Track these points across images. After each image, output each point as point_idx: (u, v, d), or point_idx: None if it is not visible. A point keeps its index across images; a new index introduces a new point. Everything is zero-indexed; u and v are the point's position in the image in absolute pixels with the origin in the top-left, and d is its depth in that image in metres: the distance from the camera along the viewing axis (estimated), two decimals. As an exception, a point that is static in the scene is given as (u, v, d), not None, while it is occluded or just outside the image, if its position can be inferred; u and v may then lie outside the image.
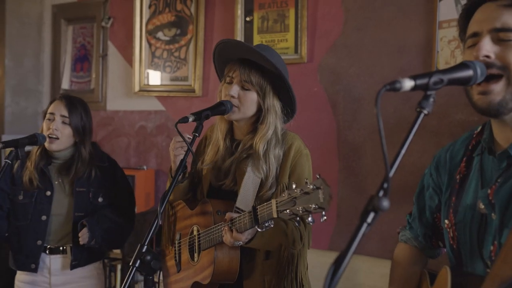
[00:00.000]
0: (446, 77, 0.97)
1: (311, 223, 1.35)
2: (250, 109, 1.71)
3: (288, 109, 1.77)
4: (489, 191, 1.13)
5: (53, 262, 2.32)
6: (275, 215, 1.40)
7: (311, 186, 1.31)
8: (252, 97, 1.71)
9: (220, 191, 1.77)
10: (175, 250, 1.87)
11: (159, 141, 3.57)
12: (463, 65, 1.02)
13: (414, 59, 2.71)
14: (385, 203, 0.86)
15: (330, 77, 2.99)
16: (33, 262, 2.30)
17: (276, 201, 1.40)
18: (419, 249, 1.43)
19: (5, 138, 3.67)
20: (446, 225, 1.25)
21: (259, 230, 1.47)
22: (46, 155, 2.35)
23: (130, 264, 1.41)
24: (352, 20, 2.91)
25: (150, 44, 3.54)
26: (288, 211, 1.36)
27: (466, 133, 1.32)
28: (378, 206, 0.86)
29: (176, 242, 1.87)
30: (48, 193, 2.32)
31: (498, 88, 1.07)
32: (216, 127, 1.84)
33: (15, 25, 3.94)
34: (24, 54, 4.00)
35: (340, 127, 2.96)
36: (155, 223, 1.47)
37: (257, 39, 3.14)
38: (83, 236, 2.22)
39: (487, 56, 1.08)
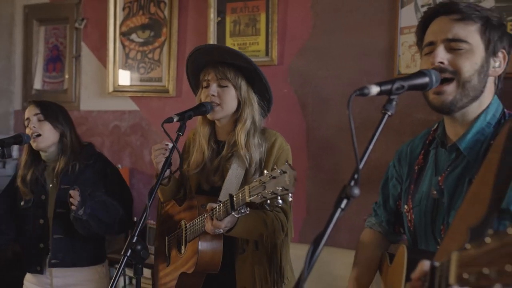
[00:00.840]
0: (406, 84, 1.12)
1: (280, 205, 1.48)
2: (231, 104, 1.84)
3: (265, 104, 1.91)
4: (439, 178, 1.30)
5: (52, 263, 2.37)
6: (248, 200, 1.52)
7: (278, 171, 1.44)
8: (231, 92, 1.84)
9: (210, 188, 1.89)
10: (165, 246, 1.98)
11: (133, 140, 3.65)
12: (421, 73, 1.18)
13: (378, 63, 2.89)
14: (356, 191, 1.01)
15: (299, 79, 3.13)
16: (38, 264, 2.38)
17: (249, 186, 1.52)
18: (383, 234, 1.59)
19: (-23, 138, 3.69)
20: (405, 210, 1.42)
21: (235, 215, 1.59)
22: (36, 160, 2.41)
23: (122, 253, 1.52)
24: (320, 25, 3.07)
25: (124, 46, 3.61)
26: (259, 195, 1.48)
27: (425, 130, 1.49)
28: (350, 194, 1.01)
29: (166, 238, 1.99)
30: (43, 197, 2.39)
31: (450, 89, 1.24)
32: (198, 133, 1.95)
33: None
34: None
35: (309, 127, 3.11)
36: (144, 215, 1.58)
37: (229, 42, 3.25)
38: (75, 196, 2.16)
39: (441, 62, 1.24)
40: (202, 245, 1.74)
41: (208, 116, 1.87)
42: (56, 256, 2.33)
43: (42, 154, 2.43)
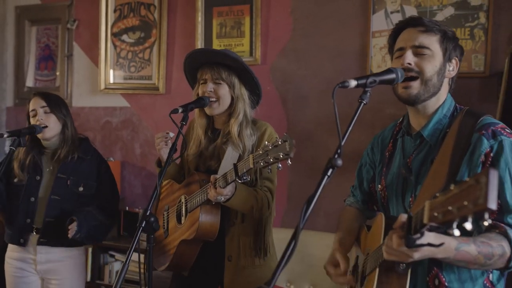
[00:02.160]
0: (378, 79, 1.41)
1: (280, 168, 1.72)
2: (226, 100, 2.10)
3: (254, 98, 2.18)
4: (408, 160, 1.60)
5: (36, 240, 2.56)
6: (251, 166, 1.76)
7: (280, 141, 1.70)
8: (225, 89, 2.10)
9: (206, 170, 2.15)
10: (163, 220, 2.23)
11: (124, 135, 3.87)
12: (389, 71, 1.47)
13: (352, 63, 3.19)
14: (339, 161, 1.28)
15: (280, 77, 3.41)
16: (22, 237, 2.56)
17: (253, 155, 1.78)
18: (360, 210, 1.89)
19: (-28, 133, 3.86)
20: (379, 189, 1.72)
21: (238, 181, 1.84)
22: (37, 145, 2.62)
23: (137, 225, 1.77)
24: (299, 28, 3.35)
25: (115, 46, 3.83)
26: (262, 161, 1.73)
27: (393, 122, 1.79)
28: (334, 164, 1.28)
29: (165, 213, 2.24)
30: (38, 177, 2.58)
31: (415, 85, 1.54)
32: (196, 125, 2.22)
33: None
34: None
35: (290, 121, 3.39)
36: (155, 192, 1.84)
37: (216, 43, 3.51)
38: (72, 229, 2.43)
39: (409, 64, 1.54)
40: (203, 214, 2.00)
41: (207, 111, 2.13)
42: (45, 236, 2.54)
43: (44, 142, 2.62)
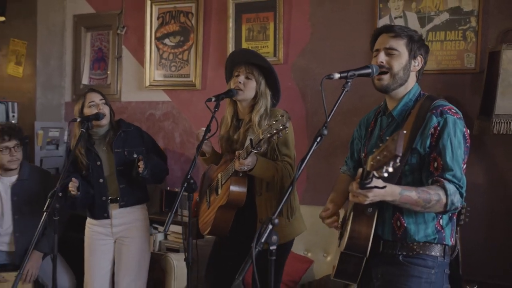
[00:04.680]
0: (356, 72, 1.91)
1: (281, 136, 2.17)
2: (250, 92, 2.57)
3: (275, 98, 2.64)
4: (380, 133, 2.09)
5: (112, 209, 3.17)
6: (261, 137, 2.15)
7: (279, 116, 2.14)
8: (252, 84, 2.56)
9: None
10: (207, 197, 2.74)
11: (165, 125, 4.44)
12: (366, 66, 1.95)
13: (362, 62, 3.55)
14: (325, 131, 1.79)
15: (300, 75, 3.85)
16: (105, 212, 3.16)
17: (262, 130, 2.20)
18: (351, 176, 2.37)
19: (37, 124, 4.48)
20: (362, 156, 2.21)
21: (254, 151, 2.22)
22: (87, 138, 3.11)
23: (181, 185, 2.33)
24: (316, 32, 3.79)
25: (158, 48, 4.39)
26: (267, 133, 2.13)
27: (376, 106, 2.28)
28: (322, 133, 1.79)
29: (208, 191, 2.75)
30: (98, 163, 3.15)
31: (386, 78, 2.00)
32: (226, 112, 2.72)
33: (44, 32, 4.68)
34: (50, 56, 4.75)
35: (308, 113, 3.82)
36: (193, 163, 2.38)
37: (244, 46, 3.98)
38: (141, 166, 2.97)
39: (382, 62, 2.02)
40: (232, 183, 2.48)
41: (233, 97, 2.63)
42: (123, 199, 3.15)
43: (95, 132, 3.14)
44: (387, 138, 1.48)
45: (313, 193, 3.78)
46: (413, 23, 3.44)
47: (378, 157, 1.51)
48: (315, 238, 3.49)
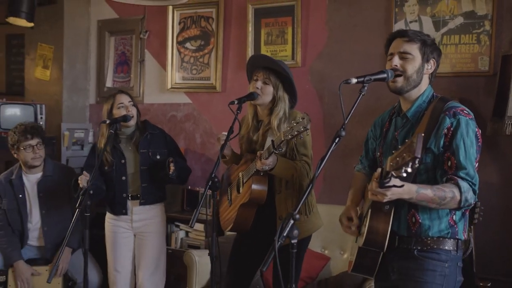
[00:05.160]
0: (372, 77, 2.02)
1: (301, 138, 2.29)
2: (267, 97, 2.68)
3: (292, 102, 2.75)
4: (395, 133, 2.20)
5: (133, 205, 3.33)
6: (283, 138, 2.26)
7: (300, 119, 2.24)
8: (270, 89, 2.67)
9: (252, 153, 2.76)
10: (228, 195, 2.86)
11: (187, 127, 4.58)
12: (382, 71, 2.06)
13: (378, 65, 3.64)
14: (343, 133, 1.91)
15: (317, 78, 3.97)
16: (123, 208, 3.33)
17: (284, 132, 2.31)
18: (366, 175, 2.47)
19: (63, 125, 4.67)
20: (378, 155, 2.31)
21: (275, 151, 2.32)
22: (114, 137, 3.23)
23: (205, 184, 2.46)
24: (333, 36, 3.91)
25: (180, 52, 4.55)
26: (289, 134, 2.27)
27: (391, 107, 2.38)
28: (340, 134, 1.91)
29: (229, 189, 2.88)
30: (123, 161, 3.31)
31: (400, 80, 2.09)
32: (247, 113, 2.84)
33: (70, 37, 4.86)
34: (76, 59, 4.93)
35: (325, 115, 3.94)
36: (217, 161, 2.51)
37: (263, 50, 4.12)
38: (172, 166, 3.14)
39: (396, 65, 2.12)
40: (254, 182, 2.59)
41: (253, 101, 2.76)
42: (144, 198, 3.31)
43: (122, 131, 3.30)
44: (407, 141, 1.58)
45: (329, 193, 3.89)
46: (428, 27, 3.53)
47: (397, 158, 1.62)
48: (332, 236, 3.60)
